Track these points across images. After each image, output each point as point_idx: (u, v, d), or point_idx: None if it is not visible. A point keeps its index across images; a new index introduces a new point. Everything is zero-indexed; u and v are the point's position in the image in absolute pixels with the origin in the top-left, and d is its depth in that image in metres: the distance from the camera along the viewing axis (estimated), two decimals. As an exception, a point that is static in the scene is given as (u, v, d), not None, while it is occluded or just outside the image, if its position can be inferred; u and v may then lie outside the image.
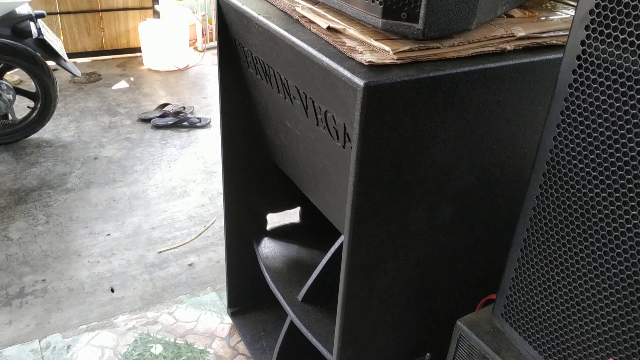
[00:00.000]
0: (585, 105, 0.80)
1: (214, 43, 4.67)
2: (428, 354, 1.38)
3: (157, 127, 3.32)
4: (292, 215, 1.96)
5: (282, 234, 1.87)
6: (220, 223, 2.51)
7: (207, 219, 2.54)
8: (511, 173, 1.19)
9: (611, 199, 0.79)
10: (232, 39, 1.46)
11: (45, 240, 2.34)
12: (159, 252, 2.31)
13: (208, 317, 1.99)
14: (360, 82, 0.90)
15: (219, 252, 2.32)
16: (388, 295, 1.19)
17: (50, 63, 3.00)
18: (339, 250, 1.51)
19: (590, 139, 0.80)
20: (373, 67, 0.95)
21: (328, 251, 1.49)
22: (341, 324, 1.16)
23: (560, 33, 1.13)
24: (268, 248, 1.80)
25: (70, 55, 4.11)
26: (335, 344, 1.20)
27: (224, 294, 2.07)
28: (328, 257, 1.52)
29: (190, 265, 2.25)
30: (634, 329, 0.80)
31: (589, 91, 0.79)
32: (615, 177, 0.77)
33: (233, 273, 1.89)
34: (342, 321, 1.16)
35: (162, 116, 3.36)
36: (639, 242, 0.76)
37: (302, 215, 1.93)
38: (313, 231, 1.90)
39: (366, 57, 0.95)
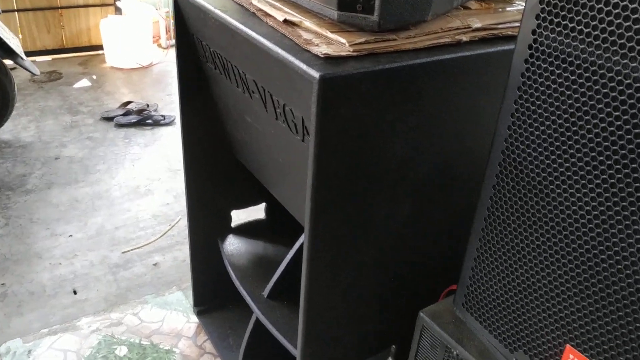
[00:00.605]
0: (537, 94, 0.81)
1: (178, 40, 4.61)
2: (393, 347, 1.39)
3: (120, 125, 3.27)
4: (257, 212, 1.94)
5: (247, 230, 1.85)
6: (186, 221, 2.47)
7: (172, 218, 2.50)
8: (470, 164, 1.20)
9: (565, 186, 0.80)
10: (190, 33, 1.44)
11: (4, 243, 2.27)
12: (123, 253, 2.27)
13: (174, 317, 1.96)
14: (315, 74, 0.89)
15: (185, 251, 2.29)
16: (351, 288, 1.19)
17: (8, 62, 2.92)
18: (300, 248, 1.51)
19: (543, 127, 0.81)
20: (329, 59, 0.94)
21: (292, 247, 1.48)
22: (304, 320, 1.15)
23: (516, 24, 1.14)
24: (233, 245, 1.78)
25: (30, 54, 4.00)
26: (299, 339, 1.19)
27: (190, 293, 2.04)
28: (292, 253, 1.51)
29: (155, 264, 2.21)
30: (590, 314, 0.81)
31: (541, 80, 0.80)
32: (568, 164, 0.78)
33: (198, 271, 1.86)
34: (305, 316, 1.15)
35: (125, 114, 3.30)
36: (592, 229, 0.77)
37: (267, 211, 1.92)
38: (278, 227, 1.89)
39: (322, 50, 0.94)
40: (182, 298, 2.05)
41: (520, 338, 0.94)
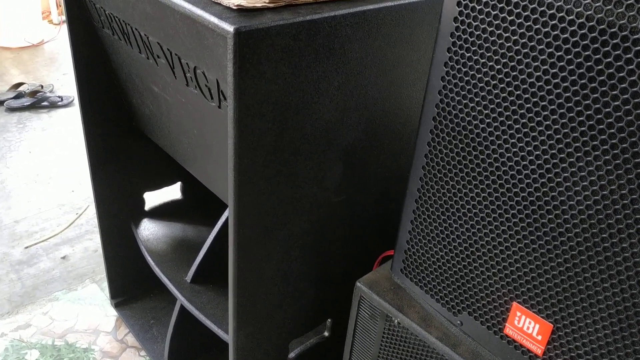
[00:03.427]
0: (472, 38, 0.75)
1: (71, 15, 4.27)
2: (329, 320, 1.33)
3: (12, 109, 2.97)
4: (172, 192, 1.81)
5: (163, 212, 1.72)
6: (94, 209, 2.29)
7: (79, 206, 2.31)
8: (399, 123, 1.14)
9: (505, 136, 0.75)
10: (80, -5, 1.28)
11: None
12: (26, 248, 2.06)
13: (89, 312, 1.81)
14: (229, 27, 0.79)
15: (96, 240, 2.11)
16: (283, 263, 1.11)
17: None
18: (226, 223, 1.41)
19: (480, 75, 0.76)
20: (243, 11, 0.84)
21: (214, 226, 1.38)
22: (235, 302, 1.07)
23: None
24: (148, 230, 1.65)
25: None
26: (230, 323, 1.11)
27: (105, 285, 1.89)
28: (215, 233, 1.41)
29: (63, 257, 2.03)
30: (536, 269, 0.78)
31: (476, 23, 0.74)
32: (508, 113, 0.73)
33: (112, 261, 1.72)
34: (236, 298, 1.06)
35: (16, 97, 3.01)
36: (536, 180, 0.73)
37: (183, 190, 1.79)
38: (196, 207, 1.77)
39: (234, 1, 0.84)
40: (97, 291, 1.89)
41: (465, 300, 0.90)
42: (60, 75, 3.40)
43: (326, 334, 1.35)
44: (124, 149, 1.56)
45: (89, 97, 1.43)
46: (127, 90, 1.37)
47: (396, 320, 1.00)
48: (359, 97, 1.02)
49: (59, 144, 2.73)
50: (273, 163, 0.96)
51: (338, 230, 1.18)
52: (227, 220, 1.40)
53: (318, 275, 1.21)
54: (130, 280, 1.79)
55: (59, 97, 3.07)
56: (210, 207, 1.76)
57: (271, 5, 0.86)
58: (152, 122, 1.36)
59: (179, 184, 1.78)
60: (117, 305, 1.78)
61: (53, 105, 3.04)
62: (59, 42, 3.87)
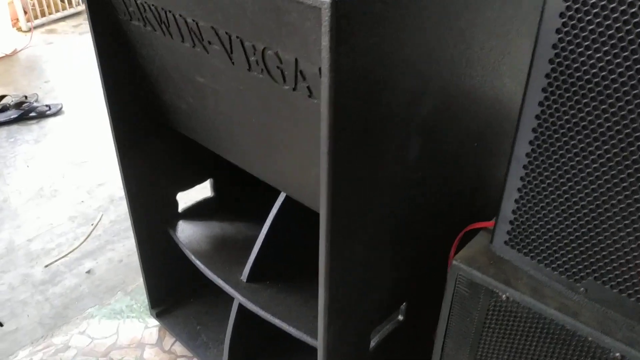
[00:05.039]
0: (600, -19, 0.68)
1: (42, 19, 4.08)
2: (404, 303, 1.27)
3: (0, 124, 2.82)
4: (201, 191, 1.71)
5: (198, 213, 1.64)
6: (109, 217, 2.19)
7: (92, 216, 2.20)
8: (478, 89, 1.08)
9: (633, 82, 0.69)
10: (103, -13, 1.17)
11: None
12: (46, 266, 1.95)
13: (129, 326, 1.72)
14: (325, -3, 0.71)
15: (119, 250, 2.01)
16: (366, 252, 1.04)
17: None
18: (277, 217, 1.33)
19: (601, 19, 0.69)
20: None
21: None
22: (326, 297, 0.99)
23: None
24: (187, 232, 1.56)
25: None
26: (320, 322, 1.04)
27: (140, 295, 1.80)
28: (267, 228, 1.33)
29: (88, 272, 1.93)
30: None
31: (606, -37, 0.67)
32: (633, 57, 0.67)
33: (150, 269, 1.63)
34: (327, 293, 0.99)
35: (1, 110, 2.85)
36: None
37: (215, 187, 1.70)
38: (230, 203, 1.69)
39: (319, -32, 0.76)
40: (132, 303, 1.80)
41: (589, 265, 0.85)
42: (42, 83, 3.24)
43: (400, 317, 1.30)
44: (153, 151, 1.47)
45: (116, 98, 1.33)
46: (159, 84, 1.27)
47: (504, 295, 0.95)
48: (438, 63, 0.95)
49: (56, 154, 2.60)
50: (362, 145, 0.88)
51: (415, 210, 1.12)
52: (277, 213, 1.33)
53: (396, 258, 1.14)
54: (169, 288, 1.70)
55: (46, 106, 2.92)
56: (244, 201, 1.68)
57: (356, -31, 0.78)
58: (192, 118, 1.26)
59: (209, 180, 1.69)
60: (158, 315, 1.69)
61: (42, 115, 2.89)
62: (33, 49, 3.69)
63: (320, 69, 0.80)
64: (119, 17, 1.20)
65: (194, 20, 0.99)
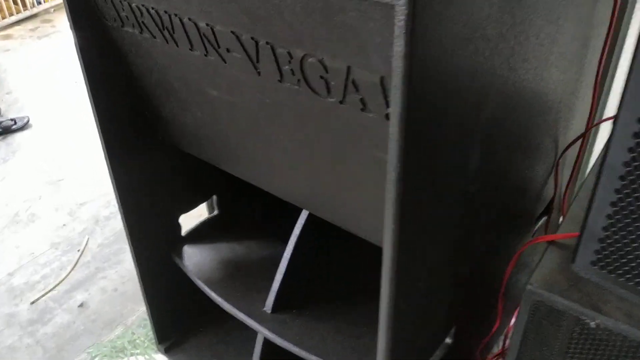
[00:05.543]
0: None
1: (-5, 26, 3.81)
2: (453, 328, 1.14)
3: (-39, 144, 2.59)
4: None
5: (203, 235, 1.48)
6: (97, 241, 2.01)
7: (78, 241, 2.01)
8: (540, 92, 0.95)
9: None
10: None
11: None
12: (33, 303, 1.76)
13: (134, 363, 1.56)
14: (398, -8, 0.56)
15: (111, 277, 1.84)
16: (429, 282, 0.91)
17: None
18: (301, 238, 1.19)
19: None
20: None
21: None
22: (387, 340, 0.86)
23: None
24: (194, 258, 1.41)
25: None
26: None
27: (142, 328, 1.64)
28: (290, 253, 1.19)
29: (81, 306, 1.75)
30: None
31: None
32: None
33: (154, 300, 1.46)
34: (389, 323, 0.85)
35: (-38, 129, 2.63)
36: None
37: (219, 204, 1.54)
38: (237, 220, 1.53)
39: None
40: (134, 337, 1.63)
41: None
42: (3, 95, 3.00)
43: (449, 341, 1.17)
44: (152, 171, 1.30)
45: (109, 113, 1.16)
46: (158, 97, 1.11)
47: (593, 323, 0.82)
48: (500, 57, 0.81)
49: (28, 173, 2.39)
50: (428, 165, 0.75)
51: (473, 226, 0.98)
52: (301, 233, 1.18)
53: (453, 282, 1.01)
54: (176, 320, 1.54)
55: (11, 120, 2.70)
56: (251, 217, 1.53)
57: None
58: (198, 133, 1.11)
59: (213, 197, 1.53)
60: (167, 350, 1.53)
61: (7, 131, 2.67)
62: (-11, 59, 3.43)
63: (382, 78, 0.66)
64: (108, 24, 1.03)
65: (208, 25, 0.83)
